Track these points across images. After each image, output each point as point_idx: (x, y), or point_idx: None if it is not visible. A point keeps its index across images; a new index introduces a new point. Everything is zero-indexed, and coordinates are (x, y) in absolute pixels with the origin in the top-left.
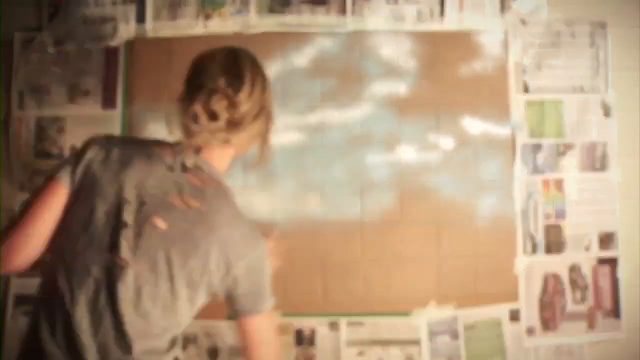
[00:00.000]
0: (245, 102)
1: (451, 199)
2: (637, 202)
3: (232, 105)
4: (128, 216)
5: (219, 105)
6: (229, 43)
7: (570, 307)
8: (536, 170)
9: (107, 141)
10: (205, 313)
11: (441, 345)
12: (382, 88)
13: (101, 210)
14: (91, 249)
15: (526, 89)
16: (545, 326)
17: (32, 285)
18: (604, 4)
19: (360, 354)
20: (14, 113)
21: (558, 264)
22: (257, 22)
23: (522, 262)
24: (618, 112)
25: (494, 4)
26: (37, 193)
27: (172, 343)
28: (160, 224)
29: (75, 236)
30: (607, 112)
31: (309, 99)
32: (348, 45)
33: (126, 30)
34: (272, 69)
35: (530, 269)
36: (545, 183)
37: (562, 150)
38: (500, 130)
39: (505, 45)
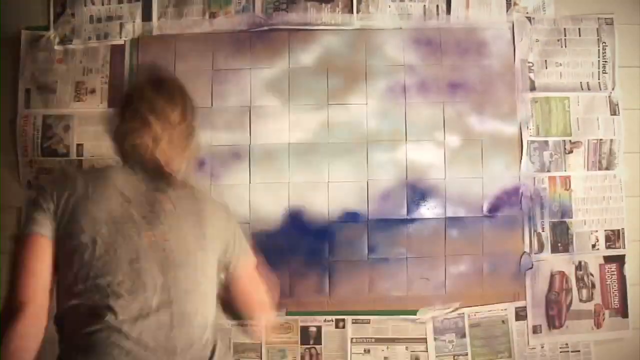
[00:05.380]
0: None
1: (457, 196)
2: None
3: (170, 125)
4: (137, 209)
5: (160, 127)
6: (235, 41)
7: (577, 305)
8: (543, 168)
9: (61, 179)
10: None
11: (447, 343)
12: (388, 85)
13: (98, 230)
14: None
15: (532, 87)
16: (552, 324)
17: None
18: (610, 1)
19: (366, 352)
20: (20, 111)
21: (564, 262)
22: (263, 20)
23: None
24: (624, 109)
25: (500, 1)
26: (19, 255)
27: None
28: (168, 205)
29: (85, 265)
30: (613, 109)
31: (316, 96)
32: (354, 42)
33: (132, 28)
34: (279, 66)
35: (537, 267)
36: (552, 181)
37: (568, 148)
38: (507, 128)
39: (512, 42)
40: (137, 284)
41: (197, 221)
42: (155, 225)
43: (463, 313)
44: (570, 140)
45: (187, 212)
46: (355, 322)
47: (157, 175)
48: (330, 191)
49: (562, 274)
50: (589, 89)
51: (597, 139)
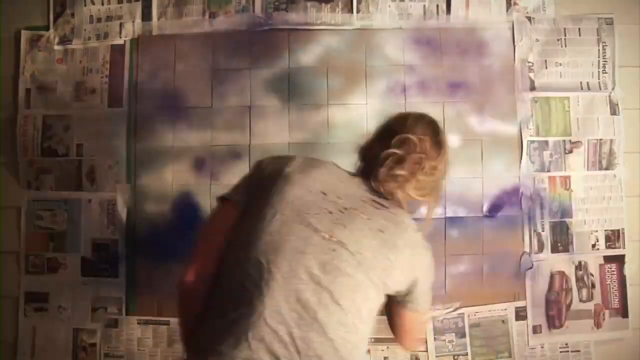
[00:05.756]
0: (441, 166)
1: (457, 196)
2: None
3: (433, 167)
4: (328, 204)
5: (425, 165)
6: (234, 41)
7: (577, 305)
8: (543, 168)
9: (277, 157)
10: None
11: (447, 343)
12: (388, 85)
13: (282, 209)
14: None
15: (532, 87)
16: (552, 324)
17: (41, 282)
18: (610, 1)
19: (366, 352)
20: (20, 111)
21: (564, 262)
22: (263, 19)
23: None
24: (624, 109)
25: (500, 1)
26: (211, 216)
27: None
28: (361, 214)
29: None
30: (613, 109)
31: (316, 96)
32: (354, 42)
33: (132, 28)
34: (279, 66)
35: (537, 267)
36: (552, 181)
37: (568, 148)
38: (507, 128)
39: (512, 42)
40: (293, 272)
41: (385, 243)
42: (337, 225)
43: (463, 313)
44: (570, 140)
45: (378, 229)
46: None
47: (378, 194)
48: None
49: (562, 274)
50: (589, 89)
51: (597, 139)
